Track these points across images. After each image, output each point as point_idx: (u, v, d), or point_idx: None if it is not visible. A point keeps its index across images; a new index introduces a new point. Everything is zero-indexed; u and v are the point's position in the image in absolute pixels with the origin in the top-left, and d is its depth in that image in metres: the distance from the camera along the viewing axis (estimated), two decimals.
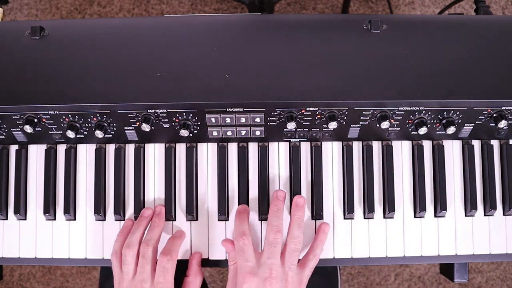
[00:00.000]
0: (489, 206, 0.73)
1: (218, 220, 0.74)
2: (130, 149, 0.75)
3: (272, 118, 0.69)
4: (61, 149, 0.75)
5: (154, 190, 0.74)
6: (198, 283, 0.71)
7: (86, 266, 1.46)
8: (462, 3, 1.58)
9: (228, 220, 0.74)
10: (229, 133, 0.72)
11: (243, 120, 0.69)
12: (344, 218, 0.74)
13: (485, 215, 0.75)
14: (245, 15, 0.74)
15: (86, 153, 0.75)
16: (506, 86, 0.67)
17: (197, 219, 0.74)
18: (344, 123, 0.70)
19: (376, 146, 0.75)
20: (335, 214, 0.74)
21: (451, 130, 0.69)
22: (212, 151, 0.75)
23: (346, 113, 0.68)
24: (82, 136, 0.72)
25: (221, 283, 1.61)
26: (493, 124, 0.69)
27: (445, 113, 0.68)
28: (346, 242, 0.74)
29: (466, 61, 0.68)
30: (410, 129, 0.72)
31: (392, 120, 0.70)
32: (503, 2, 1.64)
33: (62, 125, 0.69)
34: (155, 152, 0.75)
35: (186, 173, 0.74)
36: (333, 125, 0.67)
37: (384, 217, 0.74)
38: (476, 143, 0.75)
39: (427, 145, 0.75)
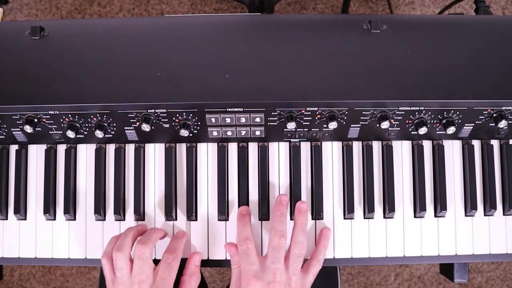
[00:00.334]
0: (489, 206, 0.73)
1: (218, 220, 0.74)
2: (130, 149, 0.75)
3: (272, 118, 0.69)
4: (61, 149, 0.75)
5: (154, 190, 0.74)
6: (194, 283, 0.70)
7: (86, 266, 1.46)
8: (462, 3, 1.58)
9: (228, 220, 0.74)
10: (229, 133, 0.72)
11: (243, 120, 0.69)
12: (344, 218, 0.74)
13: (485, 215, 0.75)
14: (245, 15, 0.74)
15: (86, 153, 0.75)
16: (506, 86, 0.67)
17: (197, 219, 0.74)
18: (344, 123, 0.70)
19: (376, 146, 0.75)
20: (335, 214, 0.74)
21: (451, 130, 0.69)
22: (212, 151, 0.75)
23: (346, 113, 0.68)
24: (82, 136, 0.72)
25: (221, 283, 1.61)
26: (493, 124, 0.69)
27: (445, 113, 0.68)
28: (346, 242, 0.74)
29: (466, 61, 0.68)
30: (410, 129, 0.72)
31: (392, 120, 0.70)
32: (503, 2, 1.64)
33: (62, 125, 0.70)
34: (155, 152, 0.75)
35: (186, 173, 0.74)
36: (333, 125, 0.68)
37: (384, 217, 0.74)
38: (476, 143, 0.75)
39: (427, 145, 0.75)
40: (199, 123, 0.70)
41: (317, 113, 0.68)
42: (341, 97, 0.66)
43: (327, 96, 0.66)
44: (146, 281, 0.64)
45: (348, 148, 0.74)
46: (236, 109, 0.67)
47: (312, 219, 0.74)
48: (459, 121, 0.70)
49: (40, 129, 0.70)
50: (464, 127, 0.72)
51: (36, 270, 1.61)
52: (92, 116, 0.68)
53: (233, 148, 0.75)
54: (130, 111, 0.67)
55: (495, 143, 0.75)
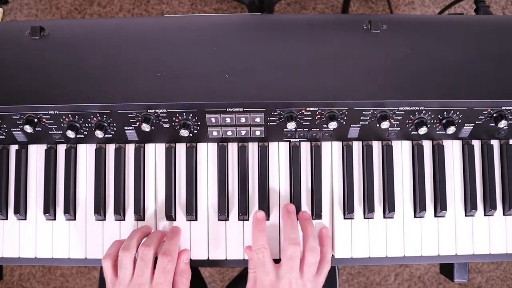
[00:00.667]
0: (489, 206, 0.73)
1: (218, 220, 0.74)
2: (130, 149, 0.75)
3: (272, 118, 0.69)
4: (61, 149, 0.75)
5: (154, 190, 0.74)
6: (185, 281, 0.69)
7: (86, 266, 1.46)
8: (462, 3, 1.58)
9: (228, 220, 0.74)
10: (229, 133, 0.72)
11: (243, 120, 0.69)
12: (344, 218, 0.74)
13: (485, 215, 0.75)
14: (245, 15, 0.74)
15: (86, 153, 0.75)
16: (506, 86, 0.67)
17: (197, 219, 0.74)
18: (344, 123, 0.70)
19: (376, 146, 0.75)
20: (335, 214, 0.74)
21: (451, 130, 0.69)
22: (212, 151, 0.75)
23: (346, 113, 0.68)
24: (82, 136, 0.72)
25: (221, 283, 1.61)
26: (493, 124, 0.69)
27: (445, 113, 0.68)
28: (346, 242, 0.74)
29: (466, 61, 0.68)
30: (410, 129, 0.72)
31: (392, 120, 0.70)
32: (503, 2, 1.64)
33: (62, 125, 0.70)
34: (155, 152, 0.75)
35: (186, 173, 0.74)
36: (333, 125, 0.68)
37: (384, 217, 0.74)
38: (476, 143, 0.75)
39: (427, 145, 0.75)
40: (199, 123, 0.70)
41: (317, 113, 0.68)
42: (341, 97, 0.66)
43: (327, 96, 0.66)
44: (145, 283, 0.64)
45: (348, 148, 0.74)
46: (236, 109, 0.67)
47: (312, 219, 0.74)
48: (459, 121, 0.70)
49: (40, 129, 0.70)
50: (464, 127, 0.72)
51: (36, 270, 1.61)
52: (92, 116, 0.68)
53: (233, 148, 0.75)
54: (130, 111, 0.67)
55: (495, 143, 0.75)
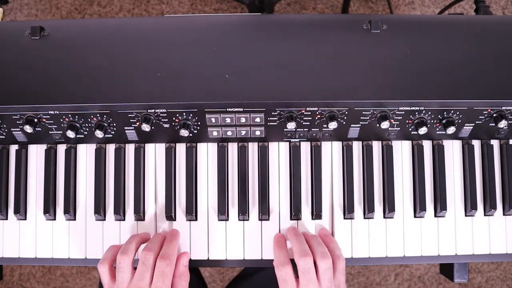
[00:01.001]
0: (489, 206, 0.73)
1: (218, 220, 0.74)
2: (130, 149, 0.75)
3: (272, 118, 0.69)
4: (61, 149, 0.75)
5: (154, 190, 0.74)
6: (184, 283, 0.69)
7: (86, 266, 1.46)
8: (462, 3, 1.58)
9: (228, 220, 0.74)
10: (229, 133, 0.72)
11: (243, 120, 0.69)
12: (344, 218, 0.74)
13: (485, 215, 0.75)
14: (245, 15, 0.74)
15: (86, 153, 0.75)
16: (506, 86, 0.67)
17: (197, 219, 0.74)
18: (344, 123, 0.70)
19: (376, 146, 0.75)
20: (335, 214, 0.74)
21: (451, 130, 0.69)
22: (212, 151, 0.75)
23: (346, 113, 0.68)
24: (82, 136, 0.72)
25: (221, 283, 1.61)
26: (493, 124, 0.69)
27: (445, 113, 0.68)
28: (346, 242, 0.74)
29: (466, 61, 0.68)
30: (410, 129, 0.72)
31: (392, 120, 0.70)
32: (503, 2, 1.64)
33: (62, 125, 0.70)
34: (155, 152, 0.75)
35: (186, 173, 0.74)
36: (333, 125, 0.68)
37: (384, 217, 0.74)
38: (476, 143, 0.75)
39: (427, 145, 0.75)
40: (199, 123, 0.70)
41: (317, 113, 0.68)
42: (341, 97, 0.66)
43: (327, 96, 0.66)
44: (144, 287, 0.64)
45: (348, 148, 0.74)
46: (236, 109, 0.67)
47: (312, 219, 0.74)
48: (459, 121, 0.70)
49: (40, 129, 0.70)
50: (464, 127, 0.72)
51: (36, 270, 1.61)
52: (92, 116, 0.68)
53: (233, 148, 0.75)
54: (130, 111, 0.67)
55: (495, 143, 0.75)
